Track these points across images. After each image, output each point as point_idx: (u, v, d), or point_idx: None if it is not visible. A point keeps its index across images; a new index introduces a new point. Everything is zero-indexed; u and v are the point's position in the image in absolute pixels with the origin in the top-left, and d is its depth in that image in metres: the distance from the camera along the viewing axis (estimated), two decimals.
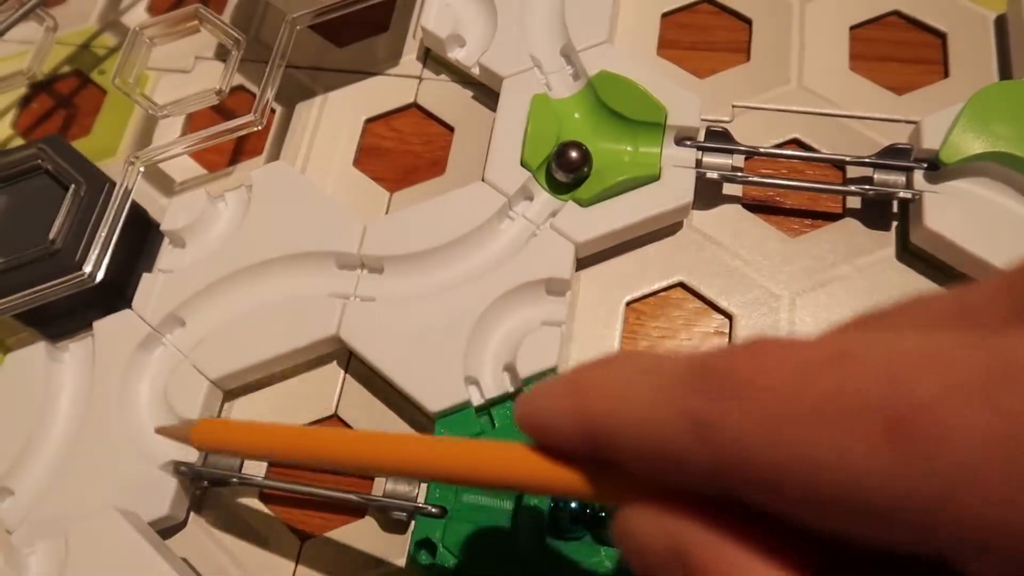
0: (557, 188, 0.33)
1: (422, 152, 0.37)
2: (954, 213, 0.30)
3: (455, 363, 0.29)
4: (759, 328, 0.31)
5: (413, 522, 0.28)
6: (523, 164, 0.32)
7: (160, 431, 0.25)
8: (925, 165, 0.31)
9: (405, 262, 0.31)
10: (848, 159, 0.32)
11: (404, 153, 0.37)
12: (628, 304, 0.32)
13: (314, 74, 0.38)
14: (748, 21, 0.37)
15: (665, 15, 0.38)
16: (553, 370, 0.29)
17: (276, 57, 0.32)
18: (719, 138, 0.33)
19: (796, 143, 0.35)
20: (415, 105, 0.37)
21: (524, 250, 0.31)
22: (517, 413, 0.16)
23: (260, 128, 0.32)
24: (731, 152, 0.33)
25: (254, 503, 0.30)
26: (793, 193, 0.34)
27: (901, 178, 0.32)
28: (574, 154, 0.32)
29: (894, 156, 0.32)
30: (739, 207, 0.34)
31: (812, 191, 0.33)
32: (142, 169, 0.31)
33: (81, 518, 0.27)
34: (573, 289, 0.32)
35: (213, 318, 0.32)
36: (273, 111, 0.38)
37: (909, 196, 0.31)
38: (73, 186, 0.31)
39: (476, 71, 0.36)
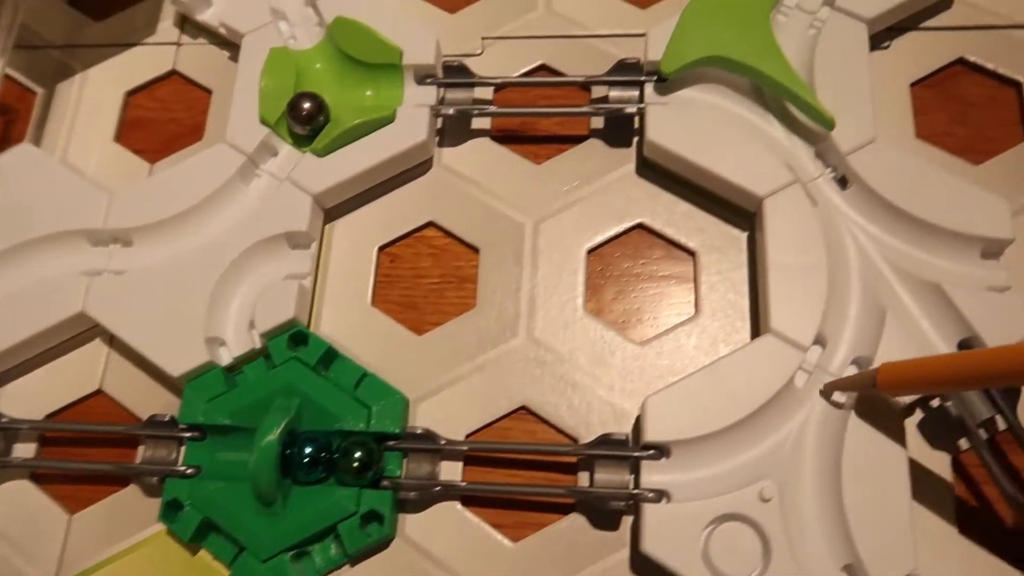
0: (301, 141, 0.33)
1: (184, 119, 0.36)
2: (675, 124, 0.30)
3: (196, 325, 0.30)
4: (506, 259, 0.32)
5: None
6: (262, 121, 0.32)
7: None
8: (655, 78, 0.31)
9: (152, 232, 0.32)
10: (582, 79, 0.32)
11: (167, 122, 0.36)
12: (381, 249, 0.33)
13: (72, 51, 0.38)
14: None
15: None
16: (291, 322, 0.30)
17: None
18: (456, 72, 0.33)
19: (545, 69, 0.35)
20: (175, 72, 0.37)
21: (264, 207, 0.31)
22: None
23: None
24: (472, 85, 0.33)
25: (25, 485, 0.31)
26: (543, 120, 0.34)
27: (634, 93, 0.32)
28: (306, 105, 0.32)
29: (625, 72, 0.32)
30: (488, 140, 0.34)
31: (549, 116, 0.33)
32: None
33: None
34: (326, 241, 0.33)
35: None
36: (33, 93, 0.37)
37: (635, 111, 0.31)
38: None
39: (223, 31, 0.35)
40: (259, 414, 0.28)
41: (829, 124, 0.29)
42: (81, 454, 0.31)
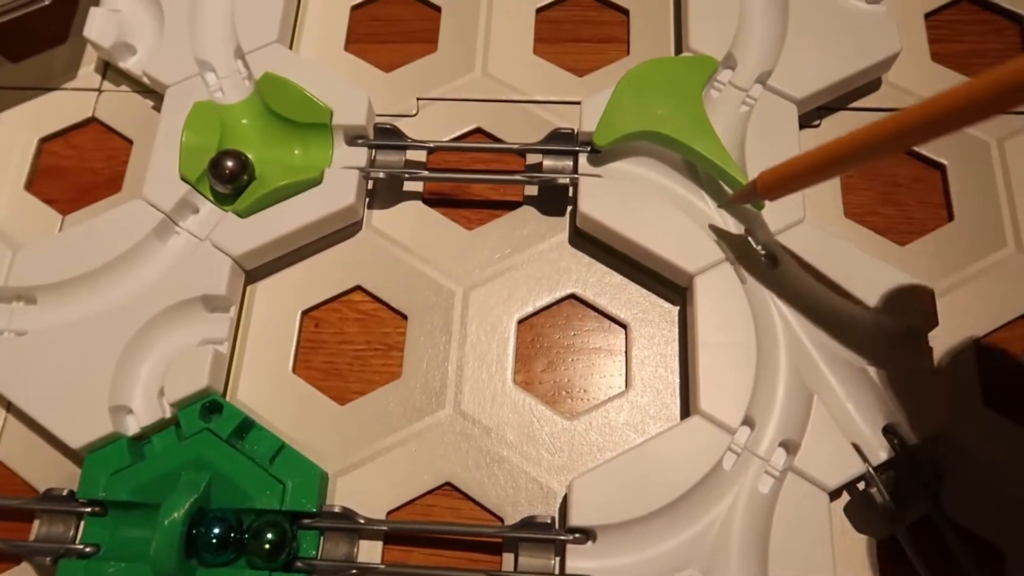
0: (223, 199, 0.31)
1: (102, 169, 0.35)
2: (608, 196, 0.30)
3: (100, 393, 0.28)
4: (434, 327, 0.31)
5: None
6: (183, 177, 0.31)
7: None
8: (589, 148, 0.31)
9: (59, 290, 0.30)
10: (516, 147, 0.32)
11: (83, 171, 0.35)
12: (305, 313, 0.32)
13: None
14: (438, 8, 0.37)
15: (355, 8, 0.37)
16: (205, 391, 0.28)
17: None
18: (388, 135, 0.32)
19: (480, 133, 0.34)
20: (94, 119, 0.35)
21: (181, 267, 0.30)
22: None
23: None
24: (404, 148, 0.32)
25: None
26: (477, 185, 0.33)
27: (568, 163, 0.32)
28: (229, 163, 0.31)
29: (559, 141, 0.32)
30: (419, 203, 0.33)
31: (482, 181, 0.33)
32: None
33: None
34: (247, 303, 0.31)
35: None
36: None
37: (567, 181, 0.31)
38: None
39: (147, 80, 0.34)
40: (166, 489, 0.27)
41: (758, 204, 0.29)
42: None
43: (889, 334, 0.28)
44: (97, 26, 0.34)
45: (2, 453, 0.30)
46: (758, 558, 0.25)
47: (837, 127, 0.33)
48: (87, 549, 0.27)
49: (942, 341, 0.29)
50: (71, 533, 0.28)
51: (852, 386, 0.27)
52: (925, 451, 0.26)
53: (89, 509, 0.28)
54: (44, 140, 0.35)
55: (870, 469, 0.26)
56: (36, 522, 0.29)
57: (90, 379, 0.28)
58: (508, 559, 0.27)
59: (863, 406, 0.27)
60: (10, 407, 0.30)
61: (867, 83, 0.33)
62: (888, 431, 0.27)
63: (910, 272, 0.28)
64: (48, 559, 0.27)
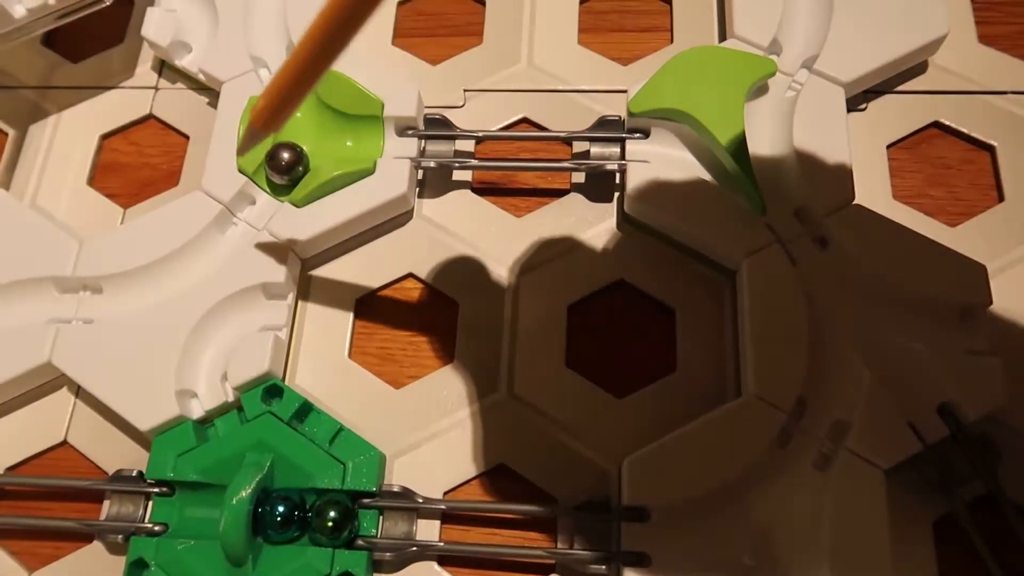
0: (278, 190, 0.32)
1: (160, 164, 0.36)
2: (655, 181, 0.30)
3: (166, 378, 0.29)
4: (485, 312, 0.31)
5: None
6: (240, 170, 0.32)
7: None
8: (637, 135, 0.32)
9: (124, 280, 0.31)
10: (563, 135, 0.33)
11: (141, 167, 0.36)
12: (359, 300, 0.32)
13: (46, 92, 0.37)
14: (482, 2, 0.37)
15: (401, 3, 0.38)
16: (266, 375, 0.29)
17: None
18: (438, 125, 0.33)
19: (526, 122, 0.35)
20: (152, 116, 0.37)
21: (240, 256, 0.31)
22: None
23: None
24: (453, 138, 0.33)
25: None
26: (524, 173, 0.34)
27: (616, 149, 0.32)
28: (285, 155, 0.31)
29: (606, 128, 0.32)
30: (468, 192, 0.34)
31: (530, 169, 0.33)
32: None
33: None
34: (303, 291, 0.32)
35: None
36: (4, 135, 0.37)
37: (616, 167, 0.31)
38: None
39: (203, 77, 0.35)
40: (231, 470, 0.28)
41: (758, 208, 0.29)
42: (44, 508, 0.30)
43: (942, 313, 0.28)
44: (154, 25, 0.35)
45: (72, 437, 0.31)
46: (815, 537, 0.25)
47: (883, 111, 0.33)
48: (156, 528, 0.28)
49: (995, 321, 0.29)
50: (140, 513, 0.29)
51: (906, 366, 0.27)
52: (981, 430, 0.26)
53: (157, 489, 0.29)
54: (104, 137, 0.36)
55: (926, 448, 0.26)
56: (106, 503, 0.30)
57: (156, 365, 0.29)
58: (564, 539, 0.28)
59: (917, 386, 0.27)
60: (79, 392, 0.32)
61: (913, 66, 0.33)
62: (944, 410, 0.27)
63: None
64: (120, 537, 0.28)
